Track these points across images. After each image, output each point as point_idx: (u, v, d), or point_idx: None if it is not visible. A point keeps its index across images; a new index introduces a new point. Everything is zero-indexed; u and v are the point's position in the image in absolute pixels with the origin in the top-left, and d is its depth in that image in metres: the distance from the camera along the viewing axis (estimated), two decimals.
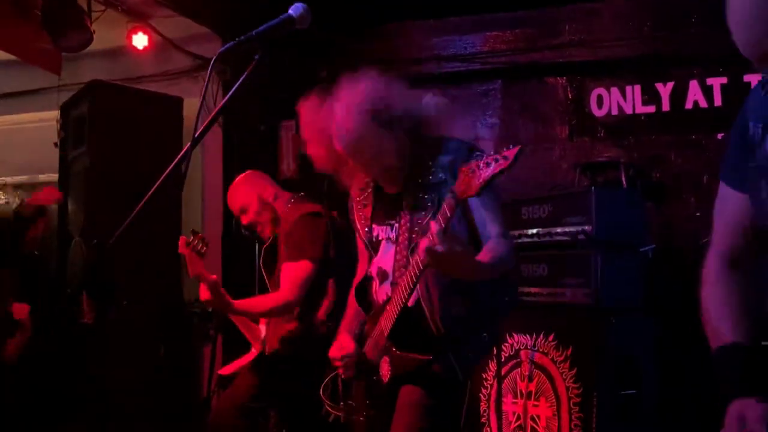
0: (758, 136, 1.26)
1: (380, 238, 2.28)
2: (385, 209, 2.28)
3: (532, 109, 4.64)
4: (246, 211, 3.25)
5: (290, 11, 1.78)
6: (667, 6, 4.27)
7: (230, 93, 1.72)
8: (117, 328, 3.80)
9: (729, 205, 1.39)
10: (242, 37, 1.74)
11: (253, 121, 5.02)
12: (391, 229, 2.24)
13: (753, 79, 4.05)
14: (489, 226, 2.09)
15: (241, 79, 1.70)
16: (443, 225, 1.87)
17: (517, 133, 4.66)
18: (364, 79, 2.17)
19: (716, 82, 4.13)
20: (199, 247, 3.09)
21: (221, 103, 1.80)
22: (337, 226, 3.13)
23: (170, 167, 1.67)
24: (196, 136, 1.71)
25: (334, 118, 2.18)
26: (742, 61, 3.97)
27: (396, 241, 2.20)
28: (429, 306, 2.13)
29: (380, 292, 2.27)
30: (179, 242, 3.10)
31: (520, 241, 3.51)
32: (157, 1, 4.64)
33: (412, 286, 2.04)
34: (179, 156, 1.68)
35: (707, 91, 4.15)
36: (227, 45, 1.74)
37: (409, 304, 2.10)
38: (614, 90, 4.38)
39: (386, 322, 2.15)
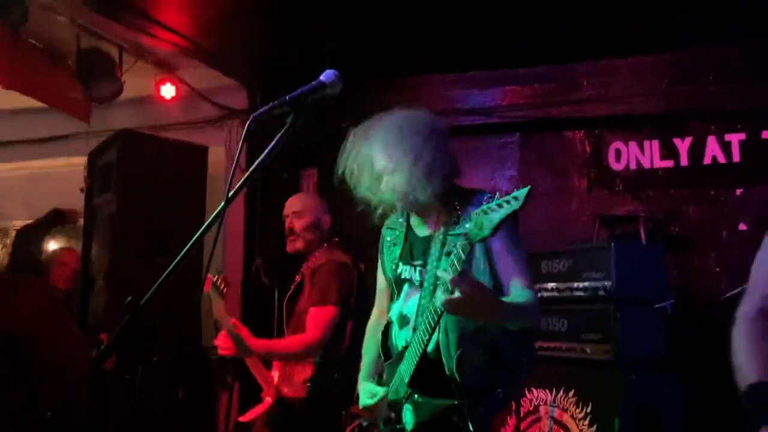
0: None
1: (404, 277, 2.30)
2: (413, 250, 2.30)
3: (551, 161, 4.69)
4: (300, 216, 3.31)
5: (322, 77, 1.84)
6: (684, 62, 4.34)
7: (262, 156, 1.77)
8: (137, 376, 3.82)
9: (766, 257, 1.43)
10: (275, 102, 1.79)
11: (275, 168, 5.12)
12: (415, 271, 2.26)
13: None
14: (513, 276, 2.09)
15: (274, 142, 1.76)
16: (458, 268, 1.89)
17: (535, 184, 4.66)
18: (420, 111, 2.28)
19: (734, 138, 4.17)
20: (222, 287, 3.15)
21: (253, 166, 1.84)
22: (362, 278, 3.18)
23: (202, 229, 1.71)
24: (228, 196, 1.76)
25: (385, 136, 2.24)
26: (760, 117, 4.04)
27: (420, 286, 2.22)
28: (447, 354, 2.12)
29: (399, 337, 2.27)
30: (206, 281, 3.16)
31: (540, 295, 3.52)
32: (185, 53, 4.79)
33: (430, 332, 2.04)
34: (211, 218, 1.71)
35: (725, 147, 4.19)
36: (261, 110, 1.79)
37: (428, 350, 2.10)
38: (632, 144, 4.43)
39: (406, 369, 2.15)
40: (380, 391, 2.28)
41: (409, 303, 2.25)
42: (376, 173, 2.23)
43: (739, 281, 3.05)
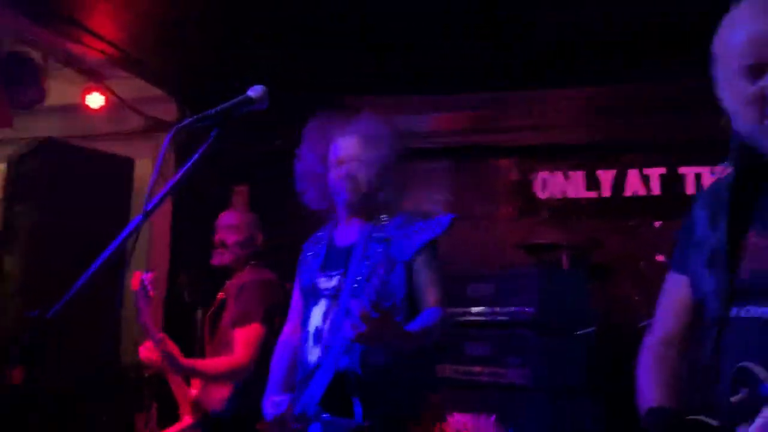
0: (698, 218, 1.37)
1: (321, 287, 2.31)
2: (333, 260, 2.32)
3: (481, 188, 4.77)
4: (234, 231, 3.28)
5: (249, 92, 1.83)
6: (610, 97, 4.50)
7: (183, 169, 1.73)
8: (48, 391, 3.67)
9: (671, 287, 1.48)
10: (200, 115, 1.77)
11: (204, 184, 5.02)
12: (331, 280, 2.28)
13: (687, 171, 4.28)
14: (428, 293, 2.17)
15: (195, 156, 1.72)
16: (377, 288, 1.94)
17: (465, 210, 4.77)
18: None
19: (654, 172, 4.34)
20: (149, 289, 3.05)
21: (174, 177, 1.80)
22: (288, 298, 3.15)
23: (118, 241, 1.65)
24: (146, 210, 1.71)
25: (364, 123, 2.36)
26: (679, 152, 4.19)
27: (335, 297, 2.23)
28: (352, 355, 2.13)
29: (313, 353, 2.26)
30: (133, 278, 3.07)
31: (464, 318, 3.56)
32: (114, 62, 4.67)
33: (344, 350, 2.05)
34: (126, 233, 1.66)
35: (646, 180, 4.36)
36: (184, 122, 1.76)
37: (340, 367, 2.10)
38: (558, 174, 4.56)
39: (318, 387, 2.13)
40: (285, 400, 2.26)
41: (324, 317, 2.25)
42: (341, 156, 2.31)
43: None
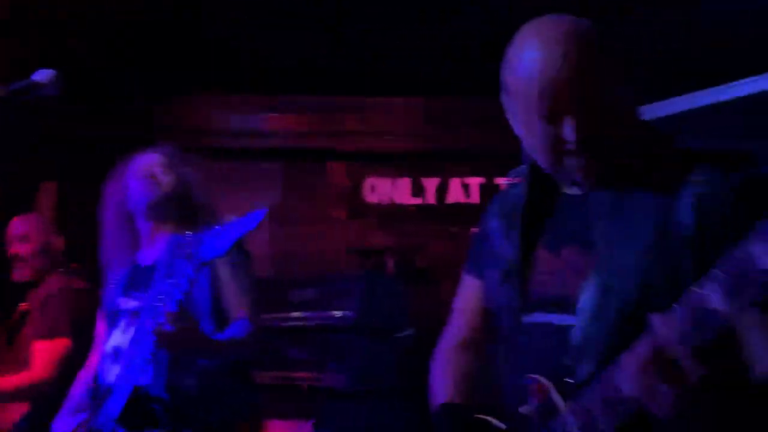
0: (493, 228, 1.39)
1: (122, 308, 2.19)
2: (136, 281, 2.21)
3: (311, 191, 4.76)
4: (25, 241, 2.99)
5: (35, 76, 1.67)
6: (437, 109, 4.68)
7: None
8: None
9: (465, 291, 1.49)
10: None
11: (7, 181, 4.58)
12: (135, 301, 2.17)
13: (502, 181, 4.54)
14: (236, 305, 2.11)
15: None
16: (179, 296, 1.85)
17: (296, 213, 4.74)
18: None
19: (474, 182, 4.56)
20: None
21: None
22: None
23: None
24: None
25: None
26: (496, 164, 4.41)
27: (135, 315, 2.11)
28: (158, 381, 2.05)
29: (110, 372, 2.14)
30: None
31: (286, 324, 3.51)
32: None
33: (145, 364, 1.95)
34: None
35: (466, 189, 4.56)
36: None
37: (140, 382, 2.00)
38: (386, 180, 4.65)
39: (115, 404, 2.01)
40: (76, 420, 2.13)
41: (124, 336, 2.14)
42: (140, 166, 2.24)
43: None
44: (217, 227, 1.85)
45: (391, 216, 4.63)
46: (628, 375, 1.02)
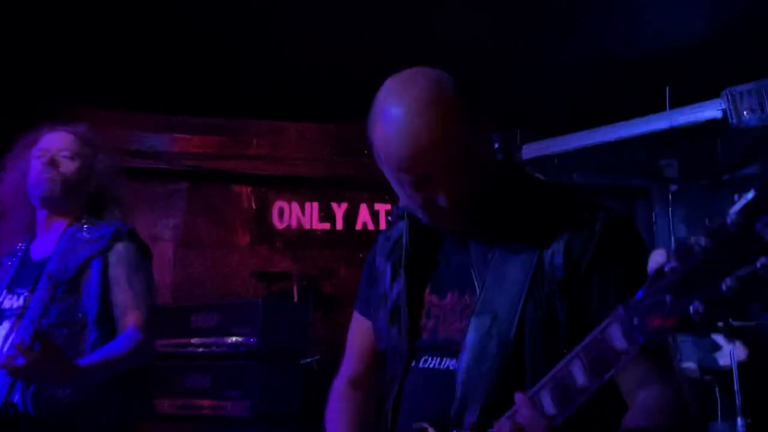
0: (381, 269, 1.39)
1: (4, 306, 2.01)
2: (24, 276, 2.03)
3: (216, 214, 4.68)
4: None
5: None
6: (345, 135, 4.71)
7: None
8: None
9: (356, 330, 1.48)
10: None
11: None
12: (18, 299, 1.99)
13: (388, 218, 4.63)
14: (125, 309, 1.91)
15: None
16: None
17: (199, 236, 4.64)
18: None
19: (382, 208, 4.62)
20: None
21: None
22: None
23: None
24: None
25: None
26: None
27: (20, 317, 1.94)
28: (25, 394, 1.85)
29: None
30: None
31: (186, 350, 3.42)
32: None
33: (12, 379, 1.80)
34: None
35: (374, 215, 4.61)
36: None
37: (11, 399, 1.83)
38: (294, 205, 4.64)
39: None
40: None
41: (5, 340, 1.93)
42: (46, 147, 2.05)
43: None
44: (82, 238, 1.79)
45: (299, 241, 4.61)
46: None
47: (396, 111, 1.15)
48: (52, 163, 2.01)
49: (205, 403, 3.35)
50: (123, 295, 1.92)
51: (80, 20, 3.84)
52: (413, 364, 1.26)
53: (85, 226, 2.00)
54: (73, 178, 2.01)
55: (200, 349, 3.40)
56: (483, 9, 3.69)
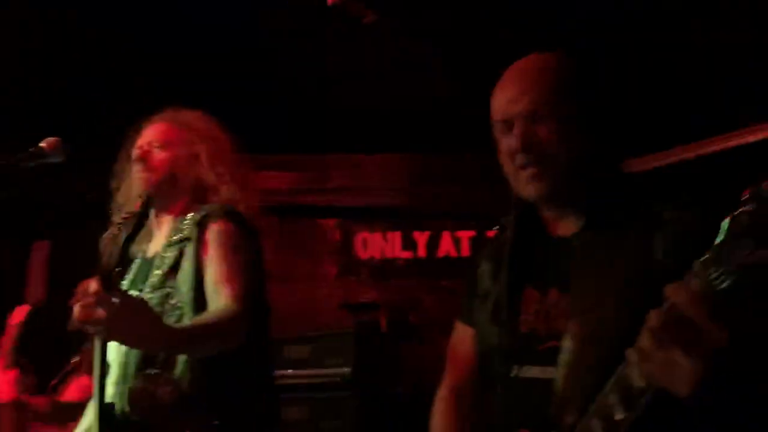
0: (481, 272, 1.42)
1: None
2: (140, 275, 1.93)
3: (303, 247, 4.78)
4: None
5: (42, 144, 1.70)
6: (424, 164, 4.76)
7: None
8: None
9: (458, 339, 1.50)
10: None
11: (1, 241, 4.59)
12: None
13: (492, 233, 4.60)
14: (218, 285, 1.72)
15: None
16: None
17: (289, 269, 4.74)
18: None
19: (465, 235, 4.61)
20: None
21: None
22: None
23: None
24: None
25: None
26: (486, 218, 4.43)
27: None
28: (121, 390, 1.74)
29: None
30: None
31: (280, 382, 3.48)
32: None
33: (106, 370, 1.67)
34: None
35: (457, 242, 4.61)
36: None
37: (107, 397, 1.69)
38: (377, 235, 4.69)
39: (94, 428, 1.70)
40: None
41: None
42: (139, 144, 1.94)
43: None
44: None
45: (383, 271, 4.65)
46: (639, 361, 0.96)
47: (506, 74, 1.33)
48: (143, 158, 1.90)
49: None
50: (217, 272, 1.75)
51: (166, 59, 4.03)
52: (515, 371, 1.26)
53: (189, 214, 1.89)
54: (164, 168, 1.89)
55: (295, 380, 3.45)
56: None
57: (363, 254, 4.70)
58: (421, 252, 4.64)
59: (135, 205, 1.76)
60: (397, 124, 4.52)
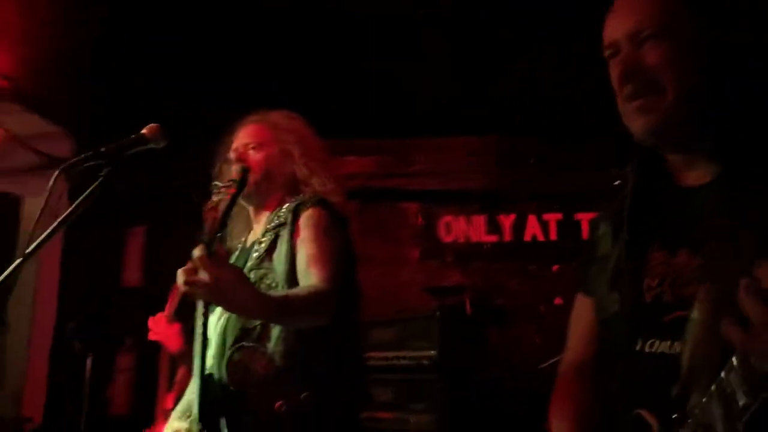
0: (600, 235, 1.28)
1: None
2: (244, 263, 2.01)
3: (386, 231, 4.80)
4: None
5: (144, 131, 1.76)
6: (509, 146, 4.67)
7: (68, 211, 1.64)
8: None
9: (578, 312, 1.36)
10: (90, 153, 1.69)
11: (97, 225, 4.80)
12: None
13: (583, 217, 4.46)
14: (308, 266, 1.78)
15: (83, 197, 1.64)
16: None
17: (371, 252, 4.76)
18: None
19: (552, 218, 4.50)
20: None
21: (62, 217, 1.70)
22: None
23: None
24: (28, 251, 1.59)
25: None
26: (574, 200, 4.35)
27: None
28: (220, 362, 1.83)
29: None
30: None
31: (367, 363, 3.51)
32: (4, 95, 4.43)
33: (204, 346, 1.79)
34: (5, 274, 1.55)
35: (544, 226, 4.50)
36: (72, 160, 1.68)
37: (207, 368, 1.80)
38: (461, 218, 4.64)
39: (196, 401, 1.80)
40: (183, 427, 1.99)
41: (218, 319, 1.94)
42: (235, 146, 2.05)
43: (555, 352, 3.24)
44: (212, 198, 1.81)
45: (467, 254, 4.60)
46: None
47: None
48: (240, 159, 2.01)
49: (389, 416, 3.42)
50: (308, 254, 1.81)
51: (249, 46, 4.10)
52: (639, 345, 1.11)
53: (286, 204, 2.00)
54: (260, 168, 2.00)
55: (381, 362, 3.48)
56: None
57: (446, 238, 4.66)
58: (507, 236, 4.56)
59: (234, 175, 1.82)
60: (481, 105, 4.46)
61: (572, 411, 1.28)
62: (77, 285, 4.84)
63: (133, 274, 4.90)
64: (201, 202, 2.15)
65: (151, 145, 1.76)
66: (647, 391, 1.09)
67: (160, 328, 2.62)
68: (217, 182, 2.09)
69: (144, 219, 4.89)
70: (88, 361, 3.84)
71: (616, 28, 1.14)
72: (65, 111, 4.78)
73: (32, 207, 4.71)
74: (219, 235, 1.63)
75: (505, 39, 3.85)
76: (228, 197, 1.74)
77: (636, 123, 1.11)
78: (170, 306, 2.67)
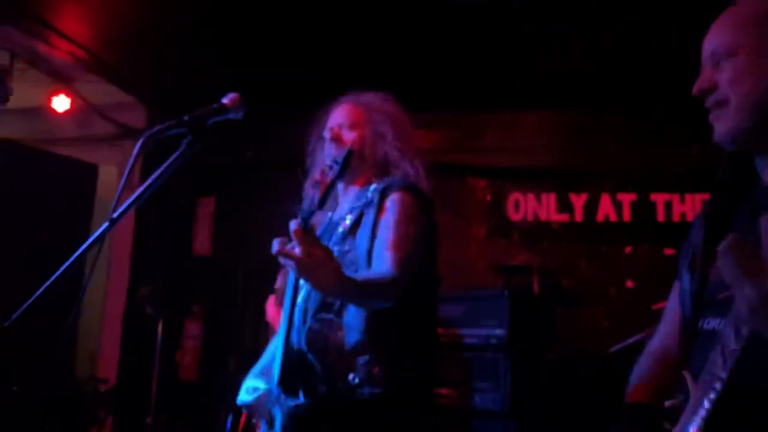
0: (697, 225, 1.38)
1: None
2: (324, 237, 2.06)
3: (453, 207, 4.73)
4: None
5: (224, 100, 1.75)
6: (584, 121, 4.52)
7: (152, 179, 1.65)
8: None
9: (672, 294, 1.46)
10: (172, 122, 1.69)
11: (171, 194, 4.90)
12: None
13: (659, 198, 4.30)
14: (383, 249, 1.83)
15: (166, 165, 1.65)
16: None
17: (439, 228, 4.72)
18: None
19: (626, 198, 4.35)
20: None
21: (143, 185, 1.72)
22: None
23: (79, 252, 1.56)
24: (112, 217, 1.62)
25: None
26: (650, 179, 4.20)
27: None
28: (299, 332, 1.89)
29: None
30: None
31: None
32: (82, 65, 4.54)
33: (291, 314, 1.84)
34: (90, 240, 1.57)
35: (618, 206, 4.36)
36: (155, 128, 1.68)
37: (291, 338, 1.86)
38: (530, 196, 4.54)
39: (276, 366, 1.87)
40: (261, 387, 2.10)
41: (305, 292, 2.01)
42: (329, 125, 2.10)
43: (624, 336, 3.15)
44: (316, 176, 1.78)
45: (536, 233, 4.50)
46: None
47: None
48: (336, 139, 2.07)
49: (455, 393, 3.40)
50: (387, 237, 1.85)
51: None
52: (702, 324, 1.25)
53: (373, 184, 2.03)
54: (355, 147, 2.02)
55: (448, 339, 3.46)
56: None
57: (515, 216, 4.57)
58: (578, 215, 4.43)
59: (340, 156, 1.80)
60: (555, 79, 4.32)
61: (649, 382, 1.41)
62: (149, 252, 4.97)
63: (202, 243, 5.00)
64: (302, 177, 2.18)
65: (230, 115, 1.76)
66: (700, 368, 1.16)
67: (272, 310, 2.71)
68: (311, 158, 2.16)
69: (214, 189, 4.97)
70: (159, 327, 3.96)
71: (704, 47, 1.30)
72: (140, 82, 4.88)
73: (107, 175, 4.84)
74: (315, 212, 1.67)
75: (586, 7, 3.70)
76: (330, 177, 1.73)
77: (714, 131, 1.29)
78: (281, 291, 2.70)
